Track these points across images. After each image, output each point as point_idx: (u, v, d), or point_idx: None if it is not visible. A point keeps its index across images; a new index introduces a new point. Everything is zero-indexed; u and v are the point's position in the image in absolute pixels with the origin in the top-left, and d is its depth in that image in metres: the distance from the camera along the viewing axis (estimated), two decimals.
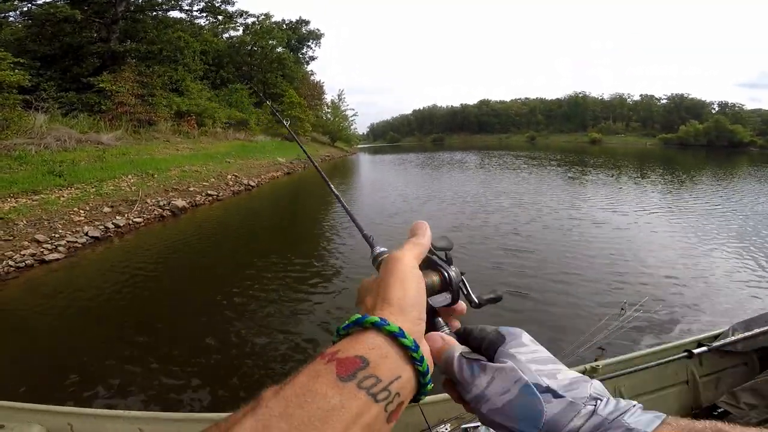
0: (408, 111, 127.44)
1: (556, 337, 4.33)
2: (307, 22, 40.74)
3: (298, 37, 40.17)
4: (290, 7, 51.44)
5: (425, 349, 0.36)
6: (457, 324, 0.47)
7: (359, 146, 60.13)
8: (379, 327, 0.31)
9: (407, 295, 0.35)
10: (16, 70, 12.17)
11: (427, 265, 0.46)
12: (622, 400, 0.35)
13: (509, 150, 46.38)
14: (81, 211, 9.14)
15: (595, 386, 0.36)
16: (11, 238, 7.68)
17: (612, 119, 76.32)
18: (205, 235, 9.50)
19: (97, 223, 8.94)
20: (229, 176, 15.42)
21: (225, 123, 22.73)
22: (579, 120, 78.60)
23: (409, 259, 0.40)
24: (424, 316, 0.38)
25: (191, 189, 12.54)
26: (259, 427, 0.24)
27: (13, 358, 4.41)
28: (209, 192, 12.93)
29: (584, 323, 4.41)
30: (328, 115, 45.63)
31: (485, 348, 0.41)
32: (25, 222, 8.18)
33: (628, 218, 10.37)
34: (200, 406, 3.61)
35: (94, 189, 10.05)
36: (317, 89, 46.96)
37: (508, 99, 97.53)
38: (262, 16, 33.98)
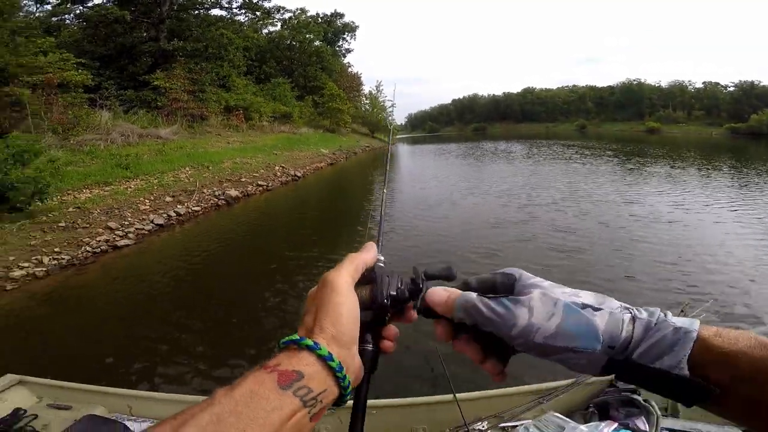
0: (446, 100, 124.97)
1: None
2: (341, 15, 41.06)
3: (334, 30, 40.56)
4: (325, 0, 51.46)
5: (354, 364, 0.40)
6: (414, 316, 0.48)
7: (397, 137, 59.90)
8: (312, 350, 0.36)
9: (338, 322, 0.39)
10: (80, 71, 13.07)
11: (369, 279, 0.46)
12: (645, 307, 0.38)
13: (558, 139, 43.69)
14: (146, 200, 9.72)
15: (615, 301, 0.39)
16: (88, 225, 8.29)
17: (672, 107, 70.94)
18: (257, 222, 9.87)
19: (160, 211, 9.48)
20: (277, 167, 15.86)
21: (270, 116, 23.35)
22: (634, 108, 73.31)
23: (343, 282, 0.41)
24: (356, 338, 0.40)
25: (243, 180, 13.02)
26: (213, 420, 0.29)
27: (87, 339, 4.73)
28: (259, 182, 13.38)
29: None
30: (367, 107, 45.75)
31: (499, 288, 0.42)
32: (99, 211, 8.80)
33: (695, 215, 9.34)
34: None
35: (156, 180, 10.66)
36: (355, 81, 47.16)
37: (554, 87, 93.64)
38: (299, 11, 34.53)
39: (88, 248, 7.63)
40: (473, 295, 0.41)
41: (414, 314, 0.47)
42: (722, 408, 0.34)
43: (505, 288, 0.42)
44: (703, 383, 0.32)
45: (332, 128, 32.70)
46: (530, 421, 1.90)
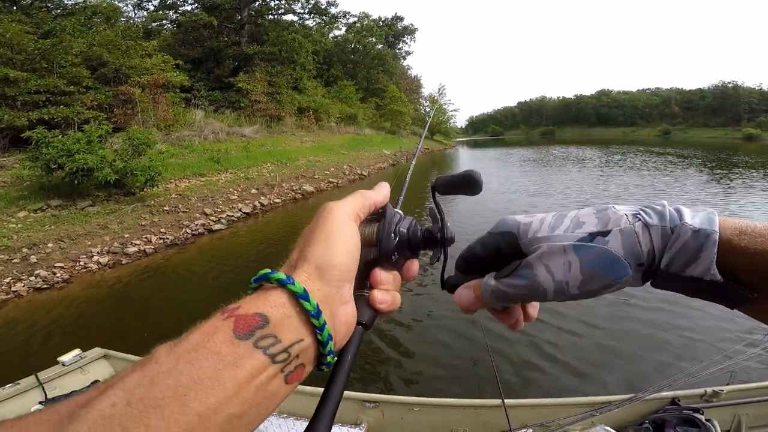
0: (511, 103, 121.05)
1: (685, 355, 3.83)
2: (401, 18, 41.79)
3: (394, 33, 41.37)
4: (386, 4, 52.25)
5: (345, 312, 0.32)
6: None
7: (457, 140, 59.40)
8: (283, 285, 0.28)
9: (328, 252, 0.31)
10: (177, 72, 14.53)
11: (377, 219, 0.39)
12: (651, 206, 0.35)
13: (638, 145, 40.25)
14: (235, 191, 10.70)
15: (620, 208, 0.35)
16: (187, 210, 9.30)
17: None
18: None
19: (247, 201, 10.39)
20: (345, 166, 16.61)
21: (337, 117, 24.35)
22: (729, 113, 66.78)
23: (342, 211, 0.35)
24: (351, 276, 0.33)
25: (316, 176, 13.86)
26: (145, 382, 0.23)
27: (177, 315, 5.14)
28: (330, 179, 14.15)
29: (720, 344, 3.90)
30: (427, 109, 46.02)
31: (506, 252, 0.39)
32: (195, 198, 9.84)
33: None
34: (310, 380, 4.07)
35: (243, 174, 11.69)
36: (415, 83, 47.61)
37: (633, 89, 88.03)
38: (362, 15, 35.63)
39: (187, 230, 8.59)
40: (491, 281, 0.38)
41: (415, 269, 0.40)
42: (758, 312, 0.32)
43: (512, 249, 0.38)
44: (738, 288, 0.31)
45: (393, 130, 33.33)
46: None
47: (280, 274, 0.29)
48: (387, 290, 0.36)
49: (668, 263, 0.32)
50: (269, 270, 0.30)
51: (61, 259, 6.60)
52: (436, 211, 0.42)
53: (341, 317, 0.32)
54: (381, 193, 0.41)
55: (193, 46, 21.75)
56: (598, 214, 0.35)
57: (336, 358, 0.32)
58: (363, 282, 0.37)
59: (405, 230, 0.39)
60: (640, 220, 0.33)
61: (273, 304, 0.28)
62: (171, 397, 0.22)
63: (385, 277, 0.37)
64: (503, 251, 0.39)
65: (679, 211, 0.33)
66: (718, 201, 11.61)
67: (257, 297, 0.29)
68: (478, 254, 0.41)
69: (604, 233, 0.34)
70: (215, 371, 0.24)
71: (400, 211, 0.42)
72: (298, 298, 0.28)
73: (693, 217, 0.32)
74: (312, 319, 0.28)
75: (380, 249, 0.37)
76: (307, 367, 0.29)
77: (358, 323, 0.34)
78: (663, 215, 0.33)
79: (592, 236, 0.34)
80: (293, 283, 0.28)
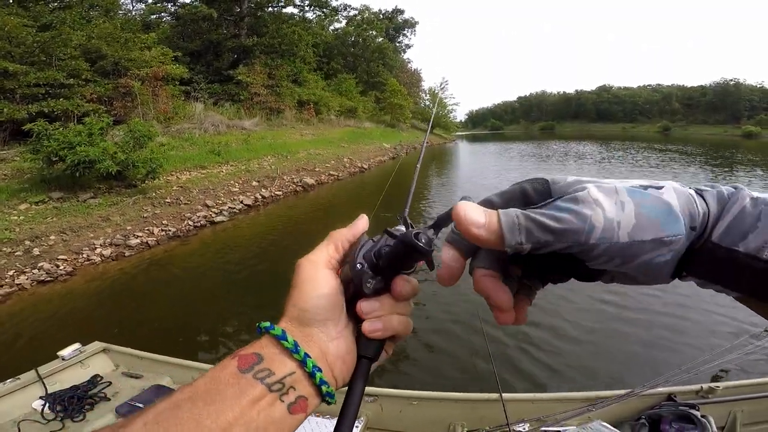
0: (511, 98, 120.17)
1: (681, 351, 3.80)
2: (401, 11, 41.50)
3: (395, 26, 41.11)
4: None
5: (335, 347, 0.36)
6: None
7: (457, 134, 59.26)
8: (267, 330, 0.35)
9: (300, 300, 0.36)
10: (176, 65, 14.44)
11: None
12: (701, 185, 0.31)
13: (638, 141, 39.86)
14: (236, 183, 10.70)
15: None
16: (189, 202, 9.30)
17: None
18: (329, 205, 10.55)
19: (248, 193, 10.40)
20: (345, 159, 16.60)
21: (337, 111, 24.26)
22: (729, 110, 66.14)
23: (309, 262, 0.38)
24: (330, 315, 0.36)
25: (317, 169, 13.85)
26: (170, 406, 0.29)
27: (179, 308, 5.20)
28: (331, 172, 14.15)
29: (716, 341, 3.79)
30: (427, 102, 45.86)
31: (534, 198, 0.32)
32: (197, 190, 9.84)
33: None
34: None
35: (244, 166, 11.69)
36: (415, 77, 47.39)
37: (634, 85, 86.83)
38: (363, 7, 35.44)
39: (190, 222, 8.59)
40: (516, 210, 0.29)
41: (401, 285, 0.37)
42: None
43: (541, 196, 0.31)
44: None
45: (393, 123, 33.22)
46: (574, 427, 1.88)
47: (266, 323, 0.35)
48: (377, 317, 0.37)
49: (723, 232, 0.27)
50: (265, 323, 0.36)
51: (64, 251, 6.60)
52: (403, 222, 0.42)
53: (332, 352, 0.36)
54: (356, 227, 0.42)
55: (192, 38, 21.56)
56: (642, 181, 0.31)
57: (346, 388, 0.37)
58: (357, 317, 0.38)
59: (371, 253, 0.37)
60: (691, 188, 0.30)
61: (264, 345, 0.34)
62: (189, 417, 0.29)
63: (367, 306, 0.37)
64: (529, 197, 0.32)
65: (735, 187, 0.30)
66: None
67: (256, 342, 0.35)
68: (493, 202, 0.33)
69: (658, 187, 0.29)
70: (223, 396, 0.30)
71: (368, 238, 0.40)
72: (278, 339, 0.34)
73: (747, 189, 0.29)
74: (294, 354, 0.33)
75: (354, 281, 0.38)
76: (311, 400, 0.34)
77: (361, 357, 0.37)
78: (715, 186, 0.30)
79: (644, 187, 0.29)
80: (274, 328, 0.35)
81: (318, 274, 0.37)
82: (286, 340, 0.34)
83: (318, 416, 1.99)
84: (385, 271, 0.37)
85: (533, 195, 0.32)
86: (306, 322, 0.35)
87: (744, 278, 0.27)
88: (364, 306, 0.37)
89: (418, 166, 0.68)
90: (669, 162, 20.64)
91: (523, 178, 0.34)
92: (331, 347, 0.36)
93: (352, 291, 0.38)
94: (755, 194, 0.28)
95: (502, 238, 0.28)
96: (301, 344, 0.34)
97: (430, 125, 1.53)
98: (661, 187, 0.29)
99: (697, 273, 0.29)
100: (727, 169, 17.97)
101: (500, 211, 0.29)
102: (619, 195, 0.28)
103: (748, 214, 0.27)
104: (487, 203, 0.32)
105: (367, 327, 0.37)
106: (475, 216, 0.29)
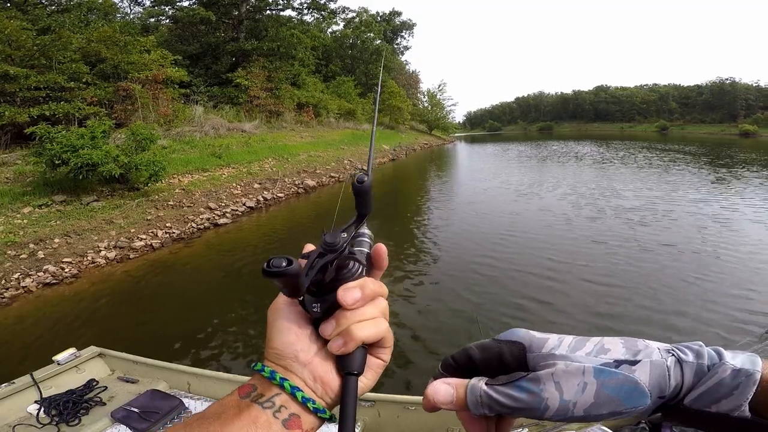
0: (509, 98, 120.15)
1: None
2: (399, 13, 41.61)
3: (392, 28, 41.22)
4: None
5: (310, 373, 0.39)
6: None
7: (455, 135, 59.35)
8: (253, 367, 0.41)
9: (270, 340, 0.41)
10: (176, 68, 14.43)
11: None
12: (687, 344, 0.34)
13: (636, 141, 39.26)
14: (238, 186, 10.70)
15: (651, 342, 0.35)
16: (192, 204, 9.30)
17: None
18: (331, 208, 10.51)
19: (250, 196, 10.40)
20: (346, 161, 16.62)
21: (336, 113, 24.28)
22: (726, 109, 66.39)
23: (274, 303, 0.43)
24: (296, 347, 0.40)
25: (318, 171, 13.86)
26: (182, 426, 0.35)
27: (182, 312, 5.15)
28: (332, 174, 14.16)
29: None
30: (425, 104, 45.97)
31: (509, 363, 0.36)
32: (199, 193, 9.83)
33: None
34: None
35: (245, 169, 11.68)
36: (413, 78, 47.53)
37: (631, 85, 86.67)
38: (361, 10, 35.53)
39: (193, 224, 8.59)
40: (482, 385, 0.36)
41: (341, 293, 0.39)
42: None
43: (516, 361, 0.36)
44: (764, 422, 0.30)
45: (391, 125, 33.29)
46: (573, 431, 1.89)
47: (259, 365, 0.41)
48: (338, 335, 0.39)
49: (695, 398, 0.31)
50: (258, 365, 0.41)
51: (69, 254, 6.59)
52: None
53: (311, 376, 0.40)
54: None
55: (191, 41, 21.53)
56: (626, 344, 0.34)
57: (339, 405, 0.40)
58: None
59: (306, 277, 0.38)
60: (673, 355, 0.33)
61: (256, 378, 0.40)
62: (199, 431, 0.34)
63: (323, 328, 0.40)
64: (505, 361, 0.37)
65: (718, 352, 0.33)
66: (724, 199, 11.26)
67: (252, 377, 0.41)
68: (474, 357, 0.38)
69: (632, 362, 0.32)
70: (228, 416, 0.36)
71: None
72: (260, 372, 0.40)
73: (733, 358, 0.32)
74: (272, 381, 0.38)
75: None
76: (304, 417, 0.38)
77: (347, 374, 0.40)
78: (700, 354, 0.33)
79: (618, 363, 0.33)
80: (257, 365, 0.41)
81: (279, 313, 0.41)
82: (263, 371, 0.39)
83: None
84: (323, 291, 0.39)
85: (510, 360, 0.37)
86: (281, 357, 0.40)
87: (713, 428, 0.32)
88: (321, 329, 0.40)
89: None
90: (670, 163, 19.84)
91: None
92: (305, 373, 0.39)
93: (311, 319, 0.41)
94: (738, 366, 0.31)
95: (463, 406, 0.36)
96: (280, 373, 0.39)
97: (375, 112, 1.34)
98: (636, 362, 0.32)
99: (670, 419, 0.34)
100: (734, 170, 16.75)
101: (468, 387, 0.36)
102: (584, 376, 0.32)
103: (724, 386, 0.31)
104: (467, 358, 0.39)
105: (331, 347, 0.39)
106: (444, 398, 0.37)
